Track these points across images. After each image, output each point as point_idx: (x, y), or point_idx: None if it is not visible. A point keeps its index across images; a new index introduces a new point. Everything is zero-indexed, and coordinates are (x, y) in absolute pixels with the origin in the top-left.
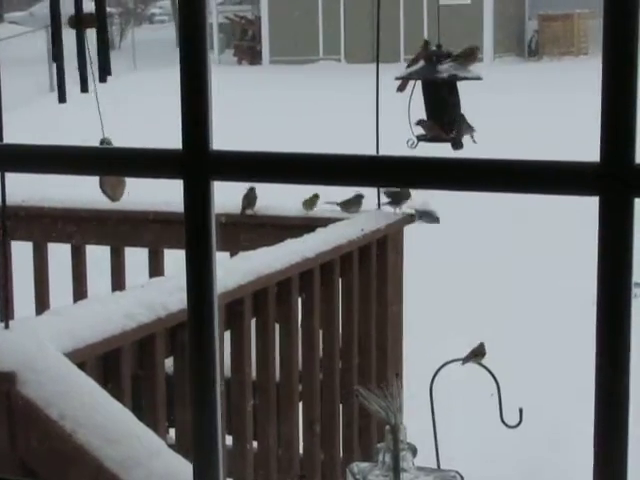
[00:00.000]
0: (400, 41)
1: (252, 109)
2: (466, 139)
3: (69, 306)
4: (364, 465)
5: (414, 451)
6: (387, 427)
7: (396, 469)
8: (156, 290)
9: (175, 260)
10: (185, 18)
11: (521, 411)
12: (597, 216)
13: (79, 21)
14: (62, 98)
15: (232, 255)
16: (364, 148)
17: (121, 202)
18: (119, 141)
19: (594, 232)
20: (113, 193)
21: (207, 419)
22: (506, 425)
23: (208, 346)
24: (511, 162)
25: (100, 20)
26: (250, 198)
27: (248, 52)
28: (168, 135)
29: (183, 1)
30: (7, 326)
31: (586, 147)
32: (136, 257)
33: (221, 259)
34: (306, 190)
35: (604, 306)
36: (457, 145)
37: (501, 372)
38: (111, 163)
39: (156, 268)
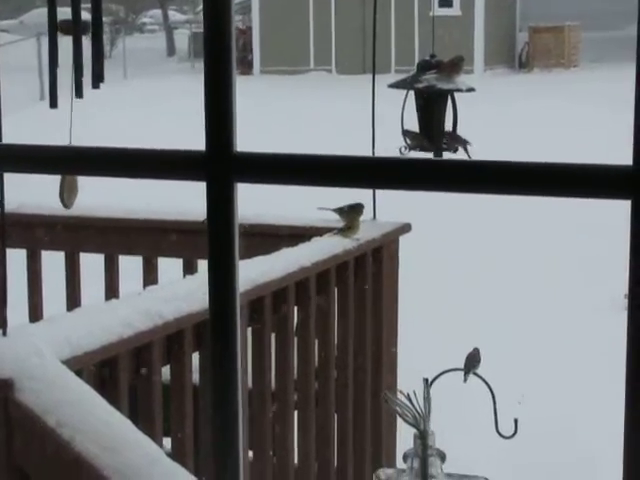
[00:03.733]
0: (391, 52)
1: (243, 119)
2: (460, 152)
3: (66, 314)
4: (391, 471)
5: (442, 457)
6: (415, 432)
7: (424, 475)
8: (152, 298)
9: (167, 268)
10: (210, 17)
11: (516, 422)
12: (590, 223)
13: (76, 26)
14: (54, 104)
15: None
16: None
17: (117, 210)
18: None
19: (587, 238)
20: (68, 200)
21: (230, 425)
22: (501, 436)
23: (231, 350)
24: (539, 165)
25: (95, 26)
26: None
27: (239, 62)
28: (162, 142)
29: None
30: (5, 333)
31: (580, 156)
32: (130, 265)
33: None
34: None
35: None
36: (437, 156)
37: (497, 381)
38: (130, 164)
39: (150, 277)
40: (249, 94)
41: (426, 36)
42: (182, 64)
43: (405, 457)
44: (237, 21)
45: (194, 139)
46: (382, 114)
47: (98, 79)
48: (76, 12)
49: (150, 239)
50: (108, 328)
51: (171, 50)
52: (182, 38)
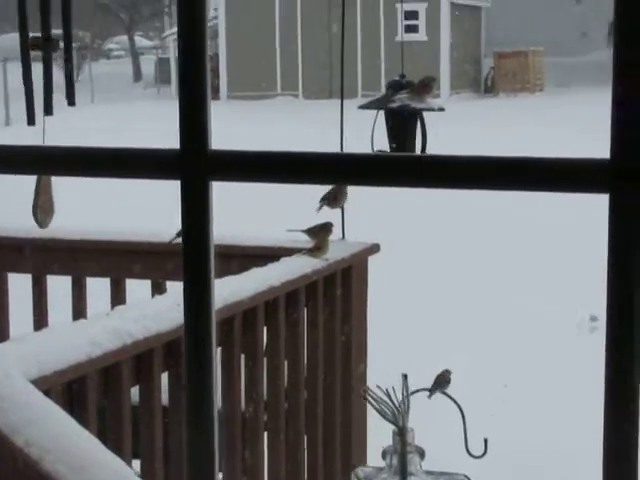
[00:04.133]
0: (358, 77)
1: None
2: None
3: (34, 333)
4: (369, 469)
5: (422, 454)
6: (394, 429)
7: (403, 472)
8: (121, 318)
9: (135, 289)
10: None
11: (486, 441)
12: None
13: (46, 41)
14: (31, 120)
15: None
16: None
17: (85, 231)
18: None
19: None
20: (43, 219)
21: (204, 441)
22: (471, 455)
23: (206, 362)
24: (522, 160)
25: (66, 45)
26: None
27: None
28: None
29: None
30: None
31: None
32: (97, 287)
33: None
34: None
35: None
36: None
37: (467, 400)
38: (104, 164)
39: (118, 298)
40: (216, 118)
41: (392, 61)
42: (148, 89)
43: (384, 454)
44: None
45: None
46: (349, 137)
47: (71, 97)
48: (45, 28)
49: (118, 261)
50: (77, 347)
51: (137, 76)
52: (148, 64)
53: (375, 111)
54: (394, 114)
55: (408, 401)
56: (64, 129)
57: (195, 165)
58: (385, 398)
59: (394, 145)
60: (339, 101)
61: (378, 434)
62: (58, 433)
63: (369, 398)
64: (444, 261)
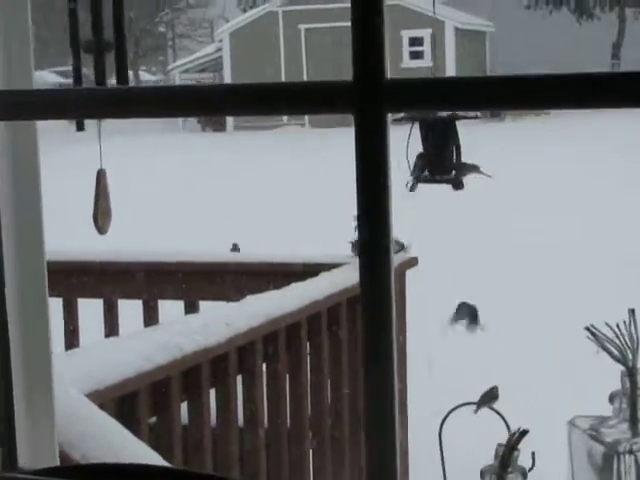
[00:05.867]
0: None
1: (219, 173)
2: (476, 179)
3: (84, 348)
4: (590, 419)
5: None
6: (623, 369)
7: (634, 417)
8: (168, 332)
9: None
10: None
11: (533, 455)
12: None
13: (98, 43)
14: (80, 126)
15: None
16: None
17: (115, 253)
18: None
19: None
20: (102, 225)
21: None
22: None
23: (386, 303)
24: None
25: (118, 45)
26: None
27: (212, 118)
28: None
29: None
30: None
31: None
32: (127, 311)
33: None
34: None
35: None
36: (457, 185)
37: (512, 415)
38: (273, 100)
39: (152, 320)
40: (224, 150)
41: None
42: (154, 123)
43: (611, 398)
44: (209, 78)
45: (173, 200)
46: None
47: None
48: (97, 30)
49: (151, 282)
50: (127, 362)
51: None
52: None
53: (410, 124)
54: (432, 124)
55: (638, 338)
56: (75, 164)
57: (371, 96)
58: (612, 335)
59: (434, 155)
60: (346, 129)
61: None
62: (118, 447)
63: (595, 336)
64: (482, 273)
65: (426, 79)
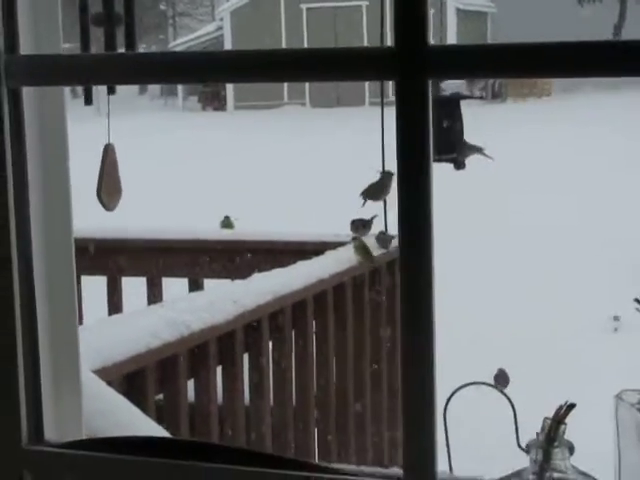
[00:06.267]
0: (365, 85)
1: (220, 151)
2: (477, 159)
3: (91, 325)
4: (635, 391)
5: None
6: None
7: None
8: (176, 310)
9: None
10: None
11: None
12: None
13: (109, 17)
14: (88, 100)
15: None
16: (349, 183)
17: (118, 230)
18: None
19: None
20: (108, 202)
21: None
22: (523, 450)
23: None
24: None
25: (128, 19)
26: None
27: (212, 98)
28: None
29: None
30: None
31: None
32: (128, 288)
33: (222, 284)
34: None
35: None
36: (459, 165)
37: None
38: (307, 66)
39: (155, 295)
40: (225, 129)
41: None
42: (154, 101)
43: None
44: None
45: (172, 176)
46: (362, 143)
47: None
48: (108, 3)
49: (155, 259)
50: (135, 339)
51: (142, 88)
52: None
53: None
54: (443, 102)
55: None
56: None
57: (413, 62)
58: None
59: (441, 135)
60: (346, 109)
61: None
62: (127, 424)
63: None
64: (469, 256)
65: (470, 45)
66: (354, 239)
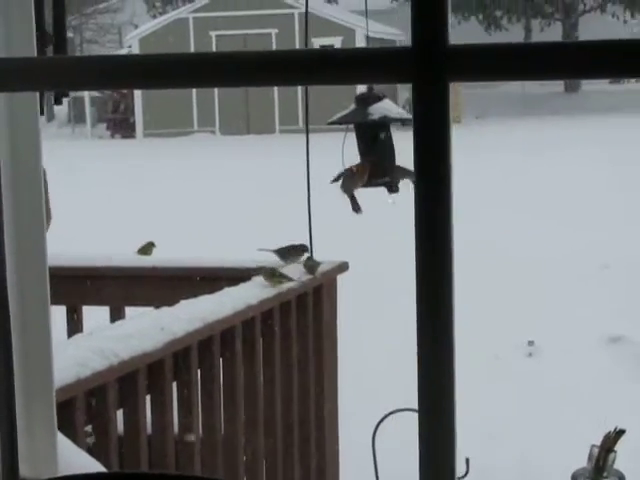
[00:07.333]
0: (275, 113)
1: (127, 181)
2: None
3: None
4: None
5: None
6: None
7: None
8: (104, 338)
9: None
10: None
11: (468, 461)
12: None
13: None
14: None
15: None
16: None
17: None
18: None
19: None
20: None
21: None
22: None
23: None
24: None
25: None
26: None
27: (121, 125)
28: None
29: None
30: None
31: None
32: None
33: (149, 311)
34: None
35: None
36: (391, 189)
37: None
38: (325, 68)
39: (75, 325)
40: (134, 156)
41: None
42: (62, 129)
43: None
44: None
45: (81, 204)
46: (283, 164)
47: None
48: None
49: (74, 287)
50: (64, 369)
51: (50, 115)
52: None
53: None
54: (361, 128)
55: None
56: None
57: (431, 64)
58: None
59: (374, 159)
60: (257, 136)
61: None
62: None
63: None
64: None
65: (490, 45)
66: (261, 268)
